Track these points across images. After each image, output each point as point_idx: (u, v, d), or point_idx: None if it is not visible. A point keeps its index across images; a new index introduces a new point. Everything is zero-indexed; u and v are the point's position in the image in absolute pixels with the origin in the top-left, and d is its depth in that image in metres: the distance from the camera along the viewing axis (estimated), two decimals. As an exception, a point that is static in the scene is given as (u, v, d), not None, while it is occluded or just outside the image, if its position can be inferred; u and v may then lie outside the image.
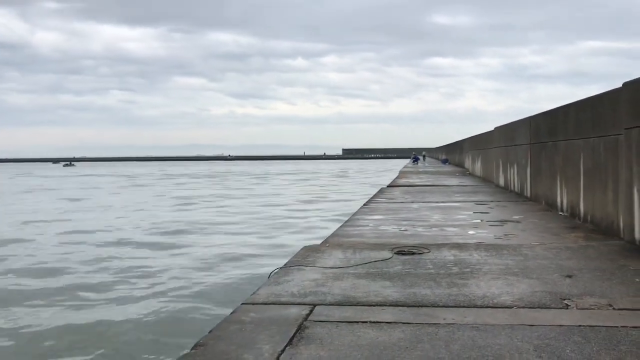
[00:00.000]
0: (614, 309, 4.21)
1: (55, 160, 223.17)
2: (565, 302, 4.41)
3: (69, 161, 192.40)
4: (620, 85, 7.18)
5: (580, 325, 3.81)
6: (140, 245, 19.08)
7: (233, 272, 14.65)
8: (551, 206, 11.29)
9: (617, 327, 3.77)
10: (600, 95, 8.26)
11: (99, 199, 41.09)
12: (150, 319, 10.71)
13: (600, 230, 8.11)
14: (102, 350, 9.12)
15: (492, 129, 21.16)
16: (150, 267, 15.35)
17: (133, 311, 11.17)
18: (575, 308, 4.25)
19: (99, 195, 45.44)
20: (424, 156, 73.54)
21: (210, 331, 3.90)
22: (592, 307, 4.27)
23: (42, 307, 11.65)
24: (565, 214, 10.16)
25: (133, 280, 13.84)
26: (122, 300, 12.02)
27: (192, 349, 3.56)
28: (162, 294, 12.46)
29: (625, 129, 6.94)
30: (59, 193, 47.98)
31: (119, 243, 19.66)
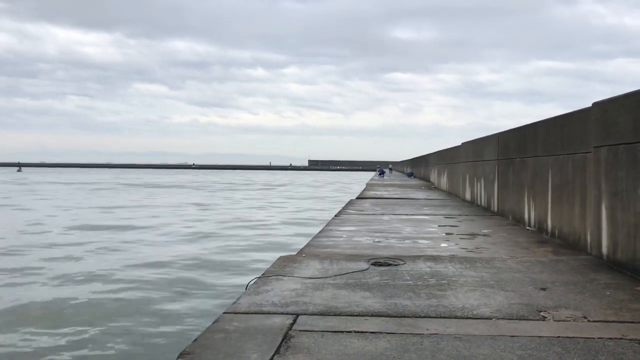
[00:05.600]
0: (588, 320, 4.35)
1: None
2: (542, 314, 4.53)
3: (19, 167, 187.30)
4: (581, 105, 7.45)
5: (559, 337, 3.92)
6: None
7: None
8: (518, 221, 11.55)
9: (593, 338, 3.90)
10: (569, 114, 8.53)
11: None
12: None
13: (567, 245, 8.34)
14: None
15: (459, 144, 21.57)
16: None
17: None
18: (552, 320, 4.37)
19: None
20: (390, 169, 74.55)
21: (195, 340, 3.87)
22: (568, 319, 4.39)
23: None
24: (533, 228, 10.41)
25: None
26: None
27: (177, 358, 3.53)
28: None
29: (594, 147, 7.18)
30: None
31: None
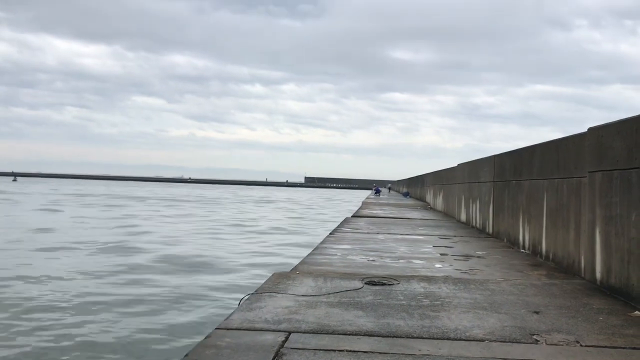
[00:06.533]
0: (581, 345, 4.34)
1: None
2: (535, 337, 4.52)
3: (14, 176, 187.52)
4: (577, 130, 7.51)
5: (551, 361, 3.91)
6: None
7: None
8: (513, 243, 11.56)
9: (586, 363, 3.89)
10: (565, 138, 8.59)
11: None
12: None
13: (561, 268, 8.35)
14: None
15: (455, 165, 21.63)
16: None
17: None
18: (544, 344, 4.36)
19: None
20: (389, 188, 75.65)
21: (186, 355, 3.85)
22: (561, 343, 4.39)
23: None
24: (527, 251, 10.42)
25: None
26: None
27: (168, 373, 3.51)
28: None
29: (589, 172, 7.22)
30: None
31: None
